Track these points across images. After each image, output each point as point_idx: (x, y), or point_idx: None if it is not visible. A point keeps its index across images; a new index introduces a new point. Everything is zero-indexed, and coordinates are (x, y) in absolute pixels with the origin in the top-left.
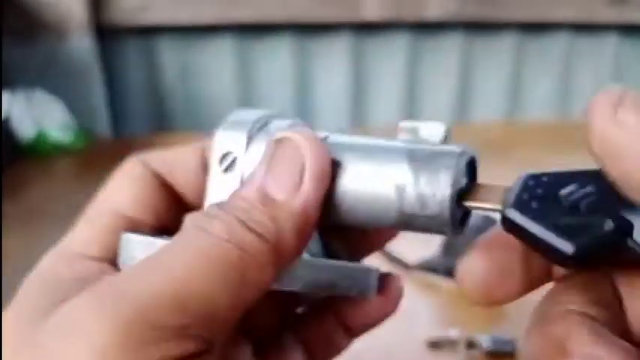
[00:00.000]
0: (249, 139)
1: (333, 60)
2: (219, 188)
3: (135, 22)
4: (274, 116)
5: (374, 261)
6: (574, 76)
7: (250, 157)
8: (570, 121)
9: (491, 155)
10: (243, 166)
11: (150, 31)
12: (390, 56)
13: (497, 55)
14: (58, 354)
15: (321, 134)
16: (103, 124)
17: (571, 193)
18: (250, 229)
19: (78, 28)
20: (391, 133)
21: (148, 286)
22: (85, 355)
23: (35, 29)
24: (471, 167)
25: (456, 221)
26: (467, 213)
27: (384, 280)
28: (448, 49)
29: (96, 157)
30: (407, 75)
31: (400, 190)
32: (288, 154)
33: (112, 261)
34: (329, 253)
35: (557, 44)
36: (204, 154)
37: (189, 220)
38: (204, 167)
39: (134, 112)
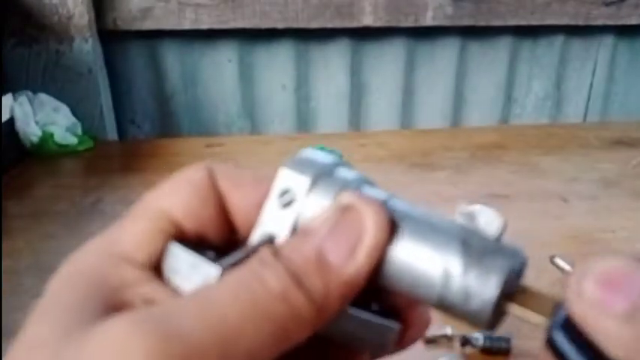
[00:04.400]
0: (312, 184)
1: (331, 65)
2: (272, 221)
3: (138, 27)
4: (340, 164)
5: None
6: (569, 79)
7: (309, 202)
8: (565, 124)
9: (486, 158)
10: (301, 208)
11: (153, 36)
12: (387, 61)
13: (492, 59)
14: None
15: (382, 196)
16: (106, 127)
17: None
18: (303, 290)
19: (81, 31)
20: (390, 136)
21: (198, 330)
22: None
23: (39, 32)
24: (520, 270)
25: (493, 321)
26: (504, 313)
27: (403, 335)
28: (444, 53)
29: (100, 160)
30: (404, 80)
31: (447, 277)
32: (351, 223)
33: (155, 267)
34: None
35: (552, 47)
36: (269, 188)
37: (247, 263)
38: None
39: (137, 115)
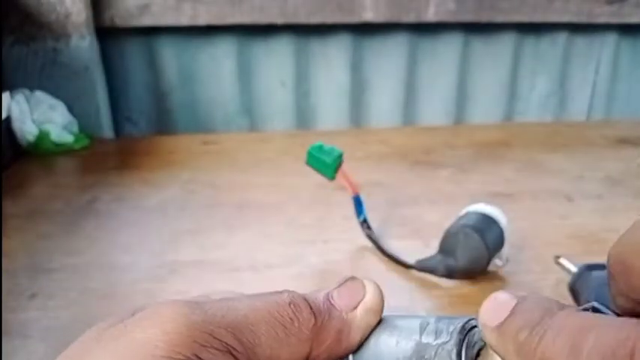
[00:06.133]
0: None
1: (332, 61)
2: None
3: (135, 23)
4: None
5: (376, 262)
6: (572, 77)
7: None
8: (569, 122)
9: (490, 156)
10: None
11: (150, 32)
12: (389, 57)
13: (495, 56)
14: (132, 330)
15: None
16: (103, 125)
17: None
18: (309, 304)
19: (78, 28)
20: (391, 133)
21: (217, 310)
22: (154, 332)
23: (36, 29)
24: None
25: (460, 353)
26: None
27: None
28: (447, 50)
29: (96, 158)
30: (406, 76)
31: (422, 328)
32: (355, 287)
33: None
34: None
35: (555, 45)
36: None
37: None
38: None
39: (134, 112)
